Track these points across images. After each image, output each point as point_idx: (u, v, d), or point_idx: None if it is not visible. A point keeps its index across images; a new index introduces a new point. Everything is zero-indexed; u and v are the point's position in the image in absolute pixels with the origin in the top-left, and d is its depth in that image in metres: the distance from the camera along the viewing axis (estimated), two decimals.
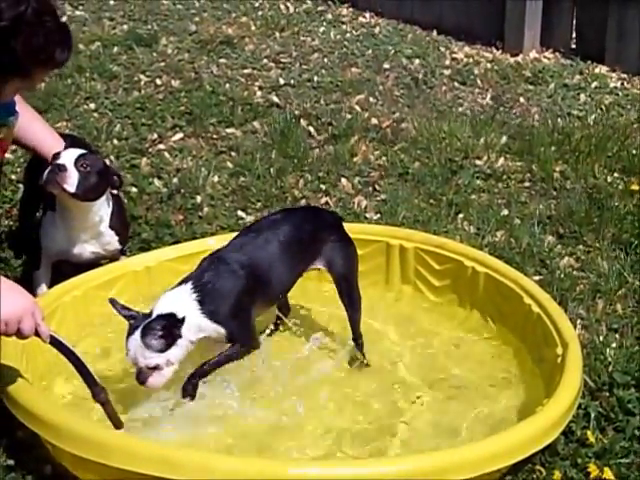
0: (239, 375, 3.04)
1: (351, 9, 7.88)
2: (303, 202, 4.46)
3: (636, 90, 6.16)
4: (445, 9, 7.38)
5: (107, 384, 2.89)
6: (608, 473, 2.73)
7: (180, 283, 2.99)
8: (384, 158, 5.00)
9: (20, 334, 2.68)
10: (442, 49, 6.95)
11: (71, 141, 3.66)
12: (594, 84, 6.26)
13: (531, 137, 5.24)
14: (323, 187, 4.64)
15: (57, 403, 2.95)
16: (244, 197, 4.52)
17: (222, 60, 6.55)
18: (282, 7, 7.83)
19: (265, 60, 6.59)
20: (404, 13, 7.57)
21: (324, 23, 7.54)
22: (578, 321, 3.51)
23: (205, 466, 2.45)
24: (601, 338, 3.40)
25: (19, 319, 2.64)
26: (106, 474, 2.53)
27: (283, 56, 6.68)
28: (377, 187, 4.67)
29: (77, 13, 7.50)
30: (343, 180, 4.72)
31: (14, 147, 4.49)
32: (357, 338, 3.31)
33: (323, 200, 4.50)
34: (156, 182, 4.64)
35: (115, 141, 5.09)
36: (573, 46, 6.84)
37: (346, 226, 3.38)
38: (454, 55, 6.82)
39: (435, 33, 7.27)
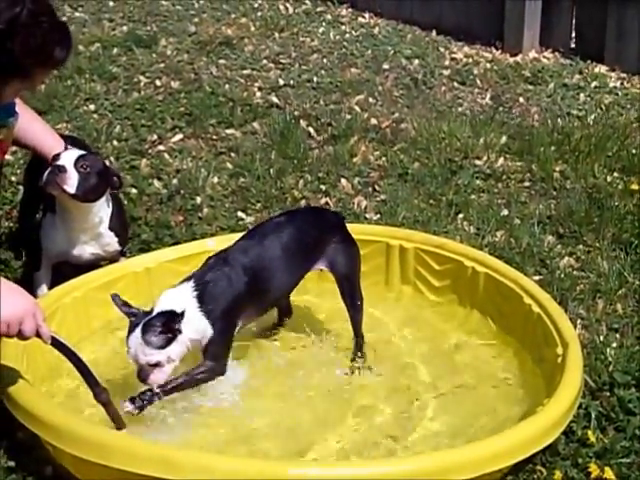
0: (239, 375, 3.04)
1: (350, 10, 7.88)
2: (303, 203, 4.46)
3: (635, 90, 6.16)
4: (444, 9, 7.38)
5: (108, 385, 2.89)
6: (609, 473, 2.73)
7: (182, 282, 3.00)
8: (384, 158, 5.00)
9: (21, 335, 2.68)
10: (441, 49, 6.96)
11: (71, 142, 3.66)
12: (594, 84, 6.27)
13: (531, 137, 5.24)
14: (323, 188, 4.64)
15: (57, 404, 2.95)
16: (244, 198, 4.52)
17: (221, 61, 6.56)
18: (281, 8, 7.83)
19: (264, 61, 6.59)
20: (403, 13, 7.57)
21: (323, 24, 7.54)
22: (578, 321, 3.51)
23: (205, 466, 2.45)
24: (601, 338, 3.40)
25: (20, 320, 2.64)
26: (107, 475, 2.53)
27: (282, 57, 6.69)
28: (377, 187, 4.68)
29: (77, 14, 7.50)
30: (343, 180, 4.72)
31: (14, 149, 4.51)
32: (358, 338, 3.31)
33: (323, 201, 4.50)
34: (156, 183, 4.64)
35: (115, 142, 5.09)
36: (572, 46, 6.84)
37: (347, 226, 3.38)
38: (453, 55, 6.83)
39: (434, 33, 7.27)
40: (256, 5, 7.89)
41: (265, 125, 5.40)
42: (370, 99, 5.89)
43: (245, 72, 6.35)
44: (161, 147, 5.11)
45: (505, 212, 4.41)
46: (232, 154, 5.05)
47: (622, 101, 5.96)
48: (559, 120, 5.57)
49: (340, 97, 5.93)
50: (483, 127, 5.37)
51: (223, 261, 3.05)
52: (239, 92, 5.93)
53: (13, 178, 4.54)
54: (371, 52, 6.83)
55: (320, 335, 3.39)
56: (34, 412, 2.66)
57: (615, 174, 4.80)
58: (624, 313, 3.61)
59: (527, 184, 4.76)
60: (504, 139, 5.22)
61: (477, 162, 4.96)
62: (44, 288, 3.56)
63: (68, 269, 3.59)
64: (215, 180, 4.68)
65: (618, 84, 6.27)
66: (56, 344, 2.78)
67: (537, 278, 3.75)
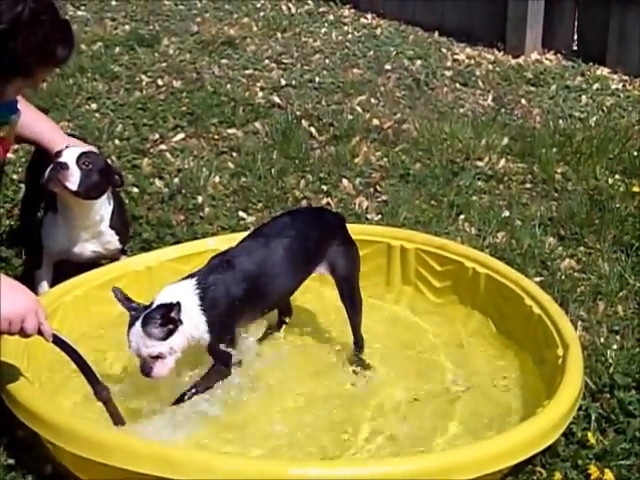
0: (239, 374, 3.05)
1: (353, 10, 7.88)
2: (304, 203, 4.46)
3: (637, 92, 6.16)
4: (447, 10, 7.38)
5: (109, 382, 2.89)
6: (609, 475, 2.73)
7: (184, 279, 3.00)
8: (385, 159, 5.00)
9: (23, 333, 2.68)
10: (444, 50, 6.96)
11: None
12: (595, 86, 6.27)
13: (532, 139, 5.24)
14: (324, 188, 4.64)
15: (57, 403, 2.95)
16: (245, 198, 4.52)
17: (224, 61, 6.56)
18: (284, 8, 7.83)
19: (267, 61, 6.59)
20: (406, 14, 7.57)
21: (326, 24, 7.54)
22: (579, 322, 3.51)
23: (206, 466, 2.45)
24: (602, 340, 3.40)
25: (22, 318, 2.65)
26: (107, 474, 2.53)
27: (285, 57, 6.69)
28: (378, 188, 4.67)
29: (79, 13, 7.51)
30: (344, 181, 4.72)
31: (16, 147, 4.51)
32: (358, 340, 3.31)
33: (324, 201, 4.50)
34: (157, 182, 4.64)
35: (116, 141, 5.09)
36: (575, 48, 6.84)
37: (347, 227, 3.38)
38: (456, 56, 6.83)
39: (437, 34, 7.27)
40: (258, 5, 7.89)
41: (267, 125, 5.40)
42: (372, 100, 5.89)
43: (247, 72, 6.35)
44: (163, 146, 5.11)
45: (506, 213, 4.41)
46: (234, 154, 5.05)
47: (624, 103, 5.96)
48: (561, 122, 5.57)
49: (342, 97, 5.93)
50: (485, 128, 5.37)
51: (227, 264, 3.05)
52: (241, 92, 5.93)
53: (15, 176, 4.54)
54: (373, 53, 6.83)
55: (320, 336, 3.39)
56: (34, 410, 2.66)
57: (617, 176, 4.80)
58: (625, 315, 3.61)
59: (528, 186, 4.76)
60: (506, 140, 5.22)
61: (479, 163, 4.96)
62: (45, 286, 3.57)
63: (69, 267, 3.59)
64: (216, 179, 4.68)
65: (620, 86, 6.27)
66: (57, 342, 2.78)
67: (538, 279, 3.75)
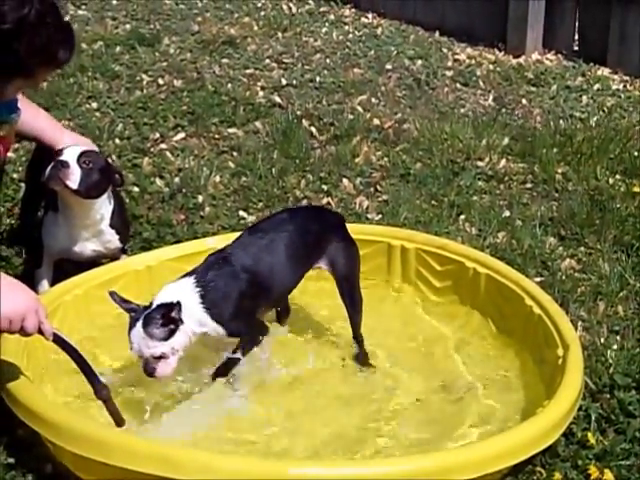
0: (240, 373, 3.05)
1: (353, 10, 7.87)
2: (305, 202, 4.46)
3: (638, 92, 6.16)
4: (447, 10, 7.38)
5: (109, 382, 2.89)
6: (608, 475, 2.73)
7: (183, 277, 3.00)
8: (386, 159, 5.00)
9: (24, 331, 2.68)
10: (444, 50, 6.96)
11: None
12: (596, 86, 6.27)
13: (533, 139, 5.24)
14: (325, 187, 4.64)
15: (57, 401, 2.95)
16: (246, 197, 4.52)
17: (224, 60, 6.55)
18: (284, 7, 7.83)
19: (267, 60, 6.59)
20: (406, 14, 7.57)
21: (326, 24, 7.54)
22: (579, 323, 3.51)
23: (206, 465, 2.45)
24: (602, 340, 3.40)
25: (23, 316, 2.65)
26: (107, 473, 2.53)
27: (285, 56, 6.69)
28: (379, 188, 4.67)
29: (80, 12, 7.50)
30: (345, 180, 4.72)
31: (16, 146, 4.52)
32: (357, 339, 3.31)
33: (325, 200, 4.50)
34: (158, 181, 4.64)
35: (117, 140, 5.09)
36: (575, 48, 6.84)
37: (347, 226, 3.38)
38: (456, 56, 6.83)
39: (437, 34, 7.27)
40: (259, 5, 7.89)
41: (267, 124, 5.40)
42: (373, 99, 5.89)
43: (248, 71, 6.35)
44: (163, 145, 5.11)
45: (507, 213, 4.41)
46: (234, 153, 5.05)
47: (624, 104, 5.96)
48: (561, 122, 5.57)
49: (343, 97, 5.93)
50: (485, 128, 5.37)
51: (224, 259, 3.05)
52: (242, 91, 5.93)
53: (15, 175, 4.53)
54: (374, 52, 6.83)
55: (319, 335, 3.39)
56: (34, 409, 2.66)
57: (617, 176, 4.80)
58: (625, 315, 3.61)
59: (529, 186, 4.76)
60: (506, 140, 5.22)
61: (479, 163, 4.96)
62: (45, 285, 3.57)
63: (69, 266, 3.59)
64: (217, 179, 4.68)
65: (621, 87, 6.27)
66: (58, 341, 2.78)
67: (538, 280, 3.75)
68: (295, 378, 3.14)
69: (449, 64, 6.65)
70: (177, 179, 4.67)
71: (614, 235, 4.17)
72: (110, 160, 4.18)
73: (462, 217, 4.36)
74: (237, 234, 3.27)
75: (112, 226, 3.56)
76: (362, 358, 3.28)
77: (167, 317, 2.84)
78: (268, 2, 7.93)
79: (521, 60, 6.72)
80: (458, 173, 4.83)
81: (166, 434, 2.80)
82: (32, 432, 2.68)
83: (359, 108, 5.72)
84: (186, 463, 2.46)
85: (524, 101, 5.99)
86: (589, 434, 2.89)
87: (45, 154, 3.53)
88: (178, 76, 6.15)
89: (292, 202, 4.45)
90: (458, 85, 6.27)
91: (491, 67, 6.59)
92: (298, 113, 5.58)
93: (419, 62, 6.64)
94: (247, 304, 3.03)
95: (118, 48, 6.66)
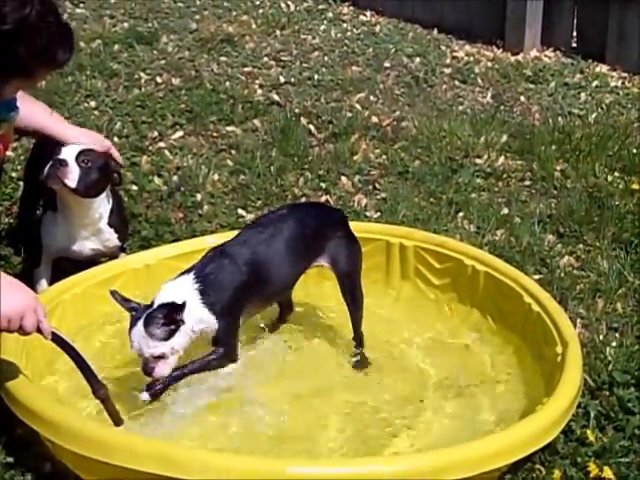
0: (239, 372, 3.05)
1: (352, 7, 7.87)
2: (303, 200, 4.46)
3: (636, 89, 6.16)
4: (446, 8, 7.38)
5: (107, 381, 2.89)
6: (608, 472, 2.74)
7: (182, 274, 3.00)
8: (384, 156, 5.00)
9: (22, 330, 2.68)
10: (443, 48, 6.95)
11: None
12: (595, 83, 6.27)
13: (531, 136, 5.24)
14: (323, 185, 4.64)
15: (56, 400, 2.95)
16: (244, 195, 4.52)
17: (222, 58, 6.55)
18: (283, 5, 7.82)
19: (265, 58, 6.58)
20: (405, 12, 7.57)
21: (325, 21, 7.54)
22: (578, 320, 3.51)
23: (205, 464, 2.45)
24: (601, 337, 3.40)
25: (21, 315, 2.65)
26: (106, 472, 2.53)
27: (284, 54, 6.68)
28: (377, 185, 4.68)
29: (78, 11, 7.49)
30: (343, 178, 4.72)
31: (15, 144, 4.51)
32: (358, 336, 3.31)
33: (323, 198, 4.50)
34: (156, 180, 4.64)
35: (115, 139, 5.08)
36: (574, 45, 6.84)
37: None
38: (455, 54, 6.82)
39: (436, 32, 7.27)
40: (257, 2, 7.88)
41: (266, 122, 5.40)
42: (371, 97, 5.89)
43: (246, 69, 6.34)
44: (161, 144, 5.11)
45: (505, 211, 4.41)
46: (232, 151, 5.05)
47: (623, 101, 5.96)
48: (560, 119, 5.57)
49: (341, 95, 5.93)
50: (484, 126, 5.37)
51: (221, 253, 3.06)
52: (240, 89, 5.93)
53: (13, 174, 4.53)
54: (372, 50, 6.83)
55: (320, 332, 3.39)
56: (33, 408, 2.66)
57: (616, 173, 4.80)
58: (624, 312, 3.61)
59: (527, 183, 4.76)
60: (505, 138, 5.22)
61: (478, 161, 4.96)
62: (44, 284, 3.56)
63: (68, 265, 3.59)
64: (215, 177, 4.68)
65: (619, 84, 6.27)
66: (56, 340, 2.78)
67: (537, 277, 3.75)
68: (293, 375, 3.14)
69: (447, 62, 6.65)
70: (175, 177, 4.67)
71: (613, 232, 4.17)
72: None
73: (461, 214, 4.37)
74: (236, 232, 3.27)
75: (111, 225, 3.57)
76: (362, 356, 3.28)
77: (169, 317, 2.84)
78: (266, 0, 7.92)
79: (519, 57, 6.72)
80: (456, 170, 4.83)
81: (165, 433, 2.80)
82: (31, 431, 2.68)
83: (357, 106, 5.72)
84: (186, 462, 2.46)
85: (522, 98, 5.99)
86: (588, 431, 2.89)
87: (44, 152, 3.53)
88: (176, 74, 6.15)
89: (291, 200, 4.45)
90: (456, 82, 6.27)
91: (489, 64, 6.59)
92: (296, 111, 5.58)
93: (417, 60, 6.63)
94: (244, 296, 3.02)
95: (116, 46, 6.65)
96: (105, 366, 3.12)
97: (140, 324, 2.84)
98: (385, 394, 3.10)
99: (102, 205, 3.52)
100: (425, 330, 3.47)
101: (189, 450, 2.59)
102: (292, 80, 6.16)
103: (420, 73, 6.35)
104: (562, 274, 3.84)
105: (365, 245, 3.54)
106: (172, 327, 2.85)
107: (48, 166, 3.37)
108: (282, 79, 6.17)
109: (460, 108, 5.78)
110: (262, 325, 3.30)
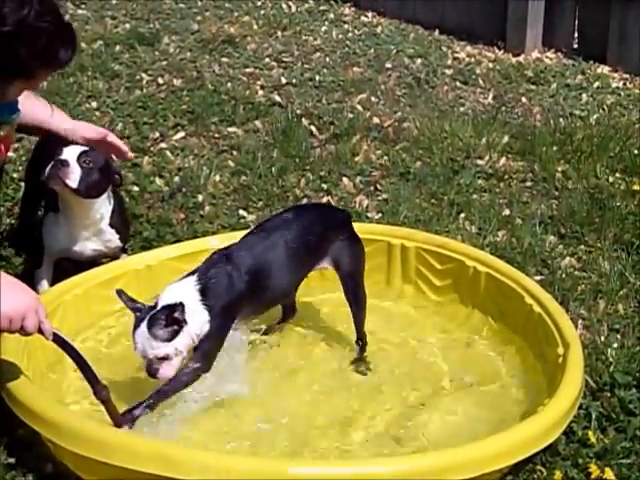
0: (239, 372, 3.05)
1: (353, 9, 7.87)
2: (305, 201, 4.46)
3: (638, 90, 6.16)
4: (447, 9, 7.38)
5: (108, 382, 2.89)
6: (609, 473, 2.73)
7: (186, 276, 3.00)
8: (386, 157, 5.00)
9: (24, 331, 2.68)
10: (444, 49, 6.95)
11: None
12: (596, 84, 6.27)
13: (533, 137, 5.24)
14: (325, 186, 4.64)
15: (58, 401, 2.95)
16: (245, 196, 4.52)
17: (224, 59, 6.55)
18: (284, 6, 7.83)
19: (267, 59, 6.59)
20: (406, 13, 7.57)
21: (326, 22, 7.54)
22: (579, 321, 3.51)
23: (205, 464, 2.45)
24: (602, 338, 3.40)
25: (23, 316, 2.64)
26: (107, 473, 2.53)
27: (285, 55, 6.69)
28: (378, 186, 4.67)
29: (79, 12, 7.50)
30: (345, 179, 4.72)
31: (16, 145, 4.52)
32: (361, 337, 3.31)
33: (325, 199, 4.50)
34: (157, 181, 4.64)
35: None
36: (575, 46, 6.84)
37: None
38: (456, 55, 6.83)
39: (437, 33, 7.27)
40: (259, 3, 7.89)
41: (267, 123, 5.40)
42: (372, 98, 5.89)
43: (247, 70, 6.35)
44: (163, 145, 5.11)
45: (507, 212, 4.41)
46: (234, 152, 5.05)
47: (624, 102, 5.96)
48: (561, 120, 5.57)
49: (342, 96, 5.93)
50: (485, 127, 5.36)
51: (227, 258, 3.04)
52: (241, 90, 5.93)
53: (15, 175, 4.53)
54: (374, 51, 6.83)
55: (323, 334, 3.39)
56: (34, 409, 2.66)
57: (617, 175, 4.80)
58: (625, 314, 3.61)
59: (529, 184, 4.76)
60: (506, 139, 5.21)
61: (479, 162, 4.96)
62: (45, 285, 3.57)
63: (69, 266, 3.59)
64: (217, 178, 4.68)
65: (620, 85, 6.27)
66: (57, 340, 2.78)
67: (538, 278, 3.75)
68: (297, 376, 3.14)
69: (449, 63, 6.65)
70: (177, 178, 4.67)
71: (614, 233, 4.17)
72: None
73: (462, 215, 4.36)
74: (237, 233, 3.28)
75: (112, 225, 3.57)
76: (364, 356, 3.28)
77: (171, 318, 2.84)
78: (268, 1, 7.93)
79: (521, 58, 6.72)
80: (458, 171, 4.83)
81: (165, 434, 2.80)
82: (32, 432, 2.68)
83: (359, 107, 5.72)
84: (186, 462, 2.46)
85: (524, 99, 5.99)
86: (589, 432, 2.88)
87: (45, 153, 3.53)
88: (178, 75, 6.15)
89: (292, 201, 4.45)
90: (458, 83, 6.27)
91: (491, 65, 6.59)
92: (298, 112, 5.58)
93: (419, 61, 6.64)
94: (244, 303, 3.02)
95: (118, 47, 6.66)
96: (106, 367, 3.12)
97: (144, 325, 2.84)
98: (385, 395, 3.10)
99: (103, 206, 3.52)
100: (426, 331, 3.46)
101: (189, 450, 2.59)
102: (293, 81, 6.16)
103: (421, 74, 6.35)
104: (563, 275, 3.84)
105: (366, 246, 3.53)
106: (175, 328, 2.85)
107: (49, 166, 3.37)
108: (283, 80, 6.17)
109: (461, 109, 5.78)
110: (264, 326, 3.30)
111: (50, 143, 3.53)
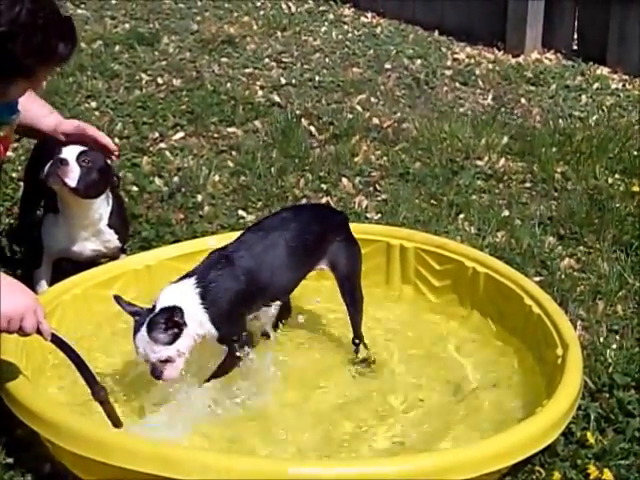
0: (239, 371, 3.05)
1: (353, 9, 7.87)
2: (304, 201, 4.46)
3: (637, 91, 6.16)
4: (447, 10, 7.38)
5: (107, 383, 2.89)
6: (608, 474, 2.73)
7: (183, 277, 2.99)
8: (385, 158, 5.00)
9: (22, 331, 2.68)
10: (443, 49, 6.95)
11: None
12: (595, 85, 6.26)
13: (532, 138, 5.24)
14: (324, 187, 4.64)
15: (56, 401, 2.95)
16: (245, 196, 4.52)
17: (224, 59, 6.55)
18: (284, 7, 7.83)
19: (267, 59, 6.59)
20: (406, 13, 7.57)
21: (326, 23, 7.54)
22: (578, 322, 3.51)
23: (206, 465, 2.45)
24: (601, 339, 3.40)
25: (21, 316, 2.64)
26: (106, 473, 2.53)
27: (285, 56, 6.68)
28: (378, 187, 4.67)
29: (79, 12, 7.49)
30: (344, 180, 4.72)
31: (15, 145, 4.51)
32: (358, 338, 3.31)
33: (324, 200, 4.50)
34: (157, 181, 4.64)
35: (116, 140, 5.08)
36: (575, 47, 6.84)
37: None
38: (455, 55, 6.82)
39: (437, 33, 7.27)
40: (259, 4, 7.89)
41: (267, 124, 5.40)
42: (372, 99, 5.89)
43: (247, 71, 6.34)
44: (162, 145, 5.11)
45: (506, 213, 4.41)
46: (233, 152, 5.05)
47: (624, 103, 5.95)
48: (561, 121, 5.57)
49: (342, 96, 5.93)
50: (485, 128, 5.36)
51: (225, 259, 3.04)
52: (241, 90, 5.93)
53: (14, 174, 4.53)
54: (373, 52, 6.83)
55: (320, 335, 3.39)
56: (33, 409, 2.66)
57: (616, 176, 4.80)
58: (624, 315, 3.61)
59: (528, 185, 4.76)
60: (505, 140, 5.21)
61: (478, 162, 4.96)
62: (44, 285, 3.56)
63: (68, 266, 3.59)
64: (216, 178, 4.68)
65: (620, 86, 6.27)
66: (56, 341, 2.78)
67: (537, 279, 3.75)
68: (294, 378, 3.14)
69: (448, 63, 6.65)
70: (176, 178, 4.67)
71: (613, 234, 4.17)
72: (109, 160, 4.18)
73: (461, 216, 4.36)
74: (236, 233, 3.27)
75: (111, 226, 3.56)
76: (361, 358, 3.28)
77: (170, 321, 2.84)
78: (267, 1, 7.93)
79: (520, 59, 6.72)
80: (457, 172, 4.83)
81: (164, 434, 2.80)
82: (31, 432, 2.68)
83: (358, 107, 5.72)
84: (185, 463, 2.46)
85: (523, 100, 5.99)
86: (588, 433, 2.88)
87: (44, 153, 3.53)
88: (177, 75, 6.15)
89: (291, 201, 4.45)
90: (457, 84, 6.27)
91: (490, 66, 6.59)
92: (297, 112, 5.58)
93: (418, 61, 6.63)
94: (245, 306, 3.02)
95: (117, 47, 6.66)
96: (105, 367, 3.12)
97: (143, 330, 2.83)
98: (383, 395, 3.10)
99: (102, 206, 3.51)
100: (425, 332, 3.46)
101: (189, 450, 2.59)
102: (293, 81, 6.16)
103: (421, 75, 6.35)
104: (562, 276, 3.84)
105: (365, 247, 3.54)
106: (175, 330, 2.85)
107: (48, 165, 3.36)
108: (283, 80, 6.17)
109: (461, 110, 5.77)
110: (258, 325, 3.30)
111: (49, 143, 3.52)
